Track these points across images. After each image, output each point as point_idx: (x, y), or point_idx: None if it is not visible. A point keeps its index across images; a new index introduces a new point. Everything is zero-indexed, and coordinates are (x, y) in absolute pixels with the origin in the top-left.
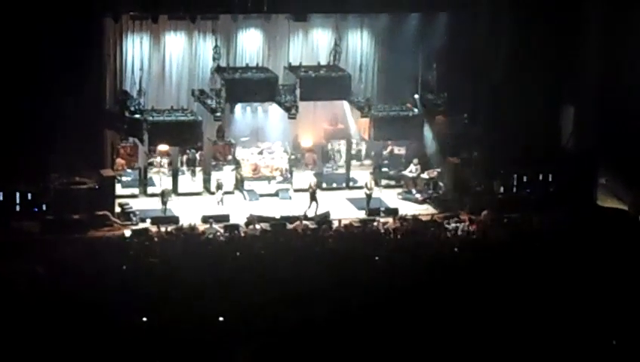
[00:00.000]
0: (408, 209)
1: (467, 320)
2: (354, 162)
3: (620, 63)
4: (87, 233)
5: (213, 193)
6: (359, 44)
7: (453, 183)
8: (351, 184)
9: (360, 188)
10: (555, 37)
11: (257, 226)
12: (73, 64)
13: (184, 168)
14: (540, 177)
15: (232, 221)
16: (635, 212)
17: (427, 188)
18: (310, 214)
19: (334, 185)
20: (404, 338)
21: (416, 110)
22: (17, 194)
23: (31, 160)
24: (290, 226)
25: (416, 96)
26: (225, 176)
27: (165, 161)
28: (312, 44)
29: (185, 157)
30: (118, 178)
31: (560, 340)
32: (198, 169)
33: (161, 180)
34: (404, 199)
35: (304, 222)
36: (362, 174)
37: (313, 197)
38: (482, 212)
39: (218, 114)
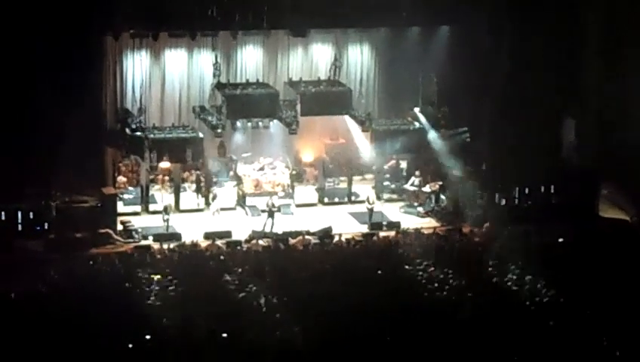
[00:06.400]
0: (410, 222)
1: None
2: (355, 176)
3: (621, 75)
4: (90, 251)
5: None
6: (359, 58)
7: (455, 196)
8: (353, 198)
9: (362, 202)
10: (555, 50)
11: (260, 242)
12: (74, 82)
13: (186, 185)
14: (542, 189)
15: (234, 237)
16: (638, 222)
17: (429, 202)
18: (267, 230)
19: (336, 199)
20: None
21: (417, 124)
22: (19, 213)
23: (33, 179)
24: (292, 241)
25: (417, 109)
26: (226, 191)
27: (167, 177)
28: (312, 59)
29: (187, 175)
30: (120, 196)
31: (563, 347)
32: (200, 185)
33: (162, 197)
34: (407, 213)
35: (306, 237)
36: (364, 188)
37: (271, 215)
38: (484, 224)
39: (219, 130)
